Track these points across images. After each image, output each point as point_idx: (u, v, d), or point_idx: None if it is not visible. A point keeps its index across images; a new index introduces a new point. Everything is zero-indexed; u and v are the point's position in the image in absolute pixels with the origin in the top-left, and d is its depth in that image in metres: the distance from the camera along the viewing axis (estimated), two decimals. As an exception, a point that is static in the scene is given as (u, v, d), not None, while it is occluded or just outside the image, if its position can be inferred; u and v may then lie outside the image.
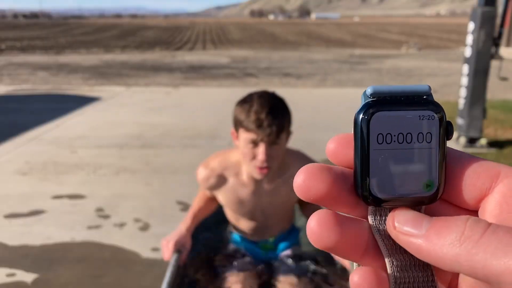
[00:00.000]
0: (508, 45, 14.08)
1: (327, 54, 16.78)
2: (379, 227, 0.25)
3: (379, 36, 30.05)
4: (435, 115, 0.24)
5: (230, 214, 1.71)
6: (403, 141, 0.24)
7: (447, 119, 0.25)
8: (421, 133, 0.24)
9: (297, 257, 1.68)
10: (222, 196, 1.64)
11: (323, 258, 1.65)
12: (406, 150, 0.24)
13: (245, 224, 1.70)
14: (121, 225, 2.94)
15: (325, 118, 5.90)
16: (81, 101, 7.06)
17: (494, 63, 4.56)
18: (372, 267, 0.26)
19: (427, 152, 0.24)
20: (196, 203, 1.71)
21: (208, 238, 1.78)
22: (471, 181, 0.24)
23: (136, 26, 47.98)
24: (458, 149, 0.26)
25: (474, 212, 0.25)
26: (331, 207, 0.25)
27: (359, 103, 0.25)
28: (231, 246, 1.73)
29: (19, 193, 3.46)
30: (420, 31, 36.00)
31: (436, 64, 12.82)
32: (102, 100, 7.25)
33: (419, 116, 0.24)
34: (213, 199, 1.71)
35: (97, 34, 30.27)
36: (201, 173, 1.61)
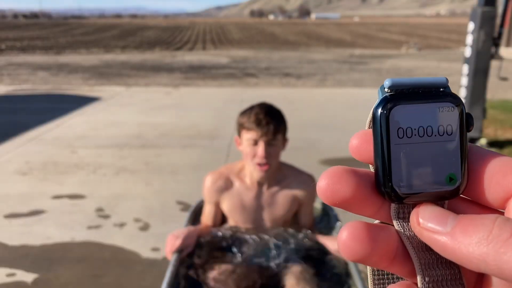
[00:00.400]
0: (508, 45, 14.08)
1: (327, 54, 16.78)
2: (404, 224, 0.24)
3: (379, 36, 30.04)
4: (454, 107, 0.24)
5: (233, 225, 1.76)
6: (423, 135, 0.24)
7: (466, 111, 0.25)
8: (442, 125, 0.24)
9: (298, 253, 1.69)
10: (227, 202, 1.72)
11: (323, 252, 1.67)
12: (427, 143, 0.24)
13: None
14: (121, 225, 2.94)
15: (325, 118, 5.89)
16: (81, 101, 7.06)
17: (494, 63, 4.56)
18: (402, 273, 0.25)
19: (448, 145, 0.24)
20: (202, 223, 1.80)
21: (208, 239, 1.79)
22: (497, 179, 0.23)
23: (136, 26, 47.97)
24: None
25: (498, 212, 0.24)
26: (356, 210, 0.24)
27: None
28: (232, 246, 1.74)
29: (19, 193, 3.46)
30: (420, 31, 36.00)
31: (436, 64, 12.82)
32: (102, 100, 7.25)
33: (439, 108, 0.24)
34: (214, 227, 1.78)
35: (97, 34, 30.27)
36: (209, 179, 1.74)
